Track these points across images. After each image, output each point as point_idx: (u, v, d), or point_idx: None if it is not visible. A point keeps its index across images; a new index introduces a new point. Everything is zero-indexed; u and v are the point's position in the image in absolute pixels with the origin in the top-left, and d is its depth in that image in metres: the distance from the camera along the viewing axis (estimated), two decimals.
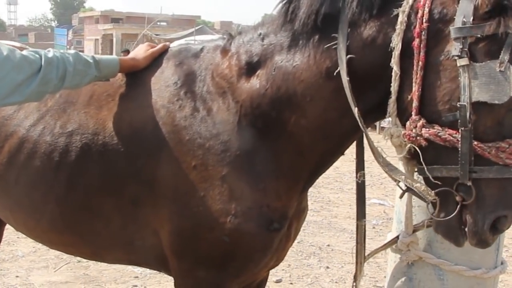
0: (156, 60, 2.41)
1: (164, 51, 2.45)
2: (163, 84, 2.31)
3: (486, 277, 2.31)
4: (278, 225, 2.20)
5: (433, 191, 1.91)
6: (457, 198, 1.85)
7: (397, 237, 2.34)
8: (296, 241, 6.13)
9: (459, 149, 1.80)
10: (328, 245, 6.31)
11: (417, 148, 1.90)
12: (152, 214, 2.25)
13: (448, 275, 2.30)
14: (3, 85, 1.96)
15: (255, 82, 2.16)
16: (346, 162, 10.15)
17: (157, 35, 31.40)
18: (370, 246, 2.48)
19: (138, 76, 2.39)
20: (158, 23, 38.98)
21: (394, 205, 2.68)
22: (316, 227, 6.94)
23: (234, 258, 2.20)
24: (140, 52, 2.44)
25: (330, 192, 8.66)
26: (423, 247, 2.36)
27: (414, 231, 2.29)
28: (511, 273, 5.63)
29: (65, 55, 2.21)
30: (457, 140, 1.80)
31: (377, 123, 11.32)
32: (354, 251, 2.45)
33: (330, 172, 9.29)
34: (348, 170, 9.66)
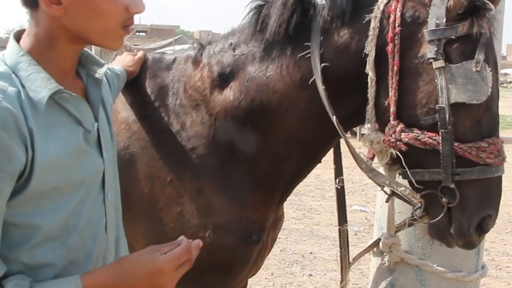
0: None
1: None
2: (137, 97, 2.27)
3: (467, 280, 2.32)
4: (257, 237, 2.19)
5: (418, 194, 1.91)
6: (443, 201, 1.85)
7: (379, 239, 2.35)
8: (278, 250, 6.20)
9: (440, 152, 1.81)
10: (311, 253, 6.31)
11: (398, 153, 1.90)
12: (127, 229, 2.20)
13: (430, 280, 2.31)
14: None
15: (229, 94, 2.13)
16: (327, 169, 10.08)
17: (136, 45, 31.25)
18: (352, 252, 2.48)
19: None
20: (137, 33, 38.83)
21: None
22: (298, 235, 6.93)
23: (213, 272, 2.17)
24: (127, 59, 2.38)
25: (311, 200, 8.65)
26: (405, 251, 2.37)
27: (396, 231, 2.30)
28: (492, 276, 5.69)
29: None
30: (438, 142, 1.81)
31: (357, 130, 11.35)
32: (337, 258, 2.45)
33: (311, 179, 9.34)
34: (329, 178, 9.58)
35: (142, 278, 1.39)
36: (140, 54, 2.43)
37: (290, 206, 7.90)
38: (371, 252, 2.47)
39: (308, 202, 8.53)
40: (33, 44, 1.41)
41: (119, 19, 1.41)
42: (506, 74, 61.21)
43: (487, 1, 1.82)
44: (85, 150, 1.45)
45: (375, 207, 2.57)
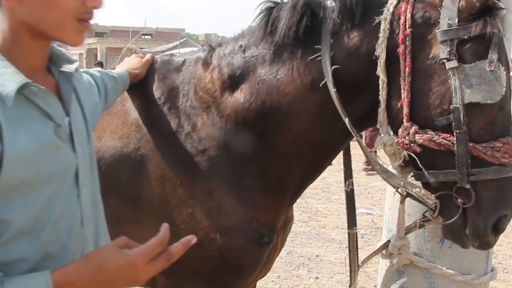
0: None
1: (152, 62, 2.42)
2: (146, 99, 2.27)
3: (477, 283, 2.31)
4: (268, 239, 2.19)
5: (433, 195, 1.90)
6: (459, 201, 1.84)
7: (389, 241, 2.34)
8: (285, 252, 6.18)
9: (455, 152, 1.80)
10: (317, 256, 6.29)
11: (412, 155, 1.89)
12: (136, 231, 2.18)
13: (439, 282, 2.30)
14: None
15: (239, 96, 2.14)
16: (333, 172, 10.18)
17: (141, 48, 31.32)
18: (359, 255, 2.47)
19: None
20: (143, 36, 38.91)
21: (382, 214, 2.68)
22: (304, 237, 6.92)
23: (223, 274, 2.17)
24: (134, 61, 2.39)
25: (318, 203, 8.64)
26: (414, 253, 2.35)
27: (406, 233, 2.28)
28: (500, 280, 5.66)
29: (98, 72, 2.13)
30: (452, 143, 1.80)
31: (363, 133, 11.36)
32: (345, 260, 2.45)
33: (317, 182, 9.29)
34: (336, 180, 9.66)
35: (114, 272, 1.33)
36: (148, 56, 2.44)
37: (296, 209, 7.89)
38: (379, 254, 2.45)
39: (314, 204, 8.52)
40: (0, 40, 1.44)
41: (73, 11, 1.41)
42: None
43: (498, 1, 1.81)
44: (56, 144, 1.45)
45: (383, 209, 2.56)
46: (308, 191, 8.95)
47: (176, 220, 2.13)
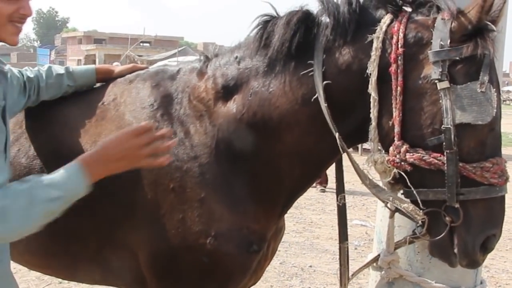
0: (132, 82, 2.41)
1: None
2: (139, 105, 2.30)
3: None
4: (257, 247, 2.21)
5: (421, 211, 1.93)
6: (447, 220, 1.87)
7: (379, 255, 2.36)
8: (278, 262, 6.19)
9: (445, 172, 1.83)
10: (310, 266, 6.30)
11: (402, 173, 1.92)
12: (130, 236, 2.23)
13: None
14: None
15: (232, 107, 2.17)
16: (328, 183, 10.22)
17: (140, 56, 31.34)
18: (352, 267, 2.49)
19: (115, 97, 2.38)
20: (141, 44, 38.92)
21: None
22: (298, 248, 6.94)
23: (213, 279, 2.20)
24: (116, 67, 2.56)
25: (312, 213, 8.66)
26: (404, 266, 2.38)
27: (396, 248, 2.31)
28: None
29: (39, 71, 2.38)
30: (443, 163, 1.83)
31: (359, 146, 11.38)
32: (336, 272, 2.46)
33: (312, 193, 9.34)
34: (330, 191, 9.68)
35: (113, 144, 1.73)
36: (130, 65, 2.60)
37: (291, 219, 7.91)
38: (370, 266, 2.48)
39: (309, 215, 8.54)
40: None
41: (9, 16, 1.75)
42: (508, 92, 61.21)
43: (489, 23, 1.84)
44: None
45: (375, 221, 2.59)
46: (303, 201, 9.03)
47: (167, 225, 2.16)
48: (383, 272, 2.38)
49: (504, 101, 56.92)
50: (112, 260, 2.31)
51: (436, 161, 1.84)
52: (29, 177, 1.68)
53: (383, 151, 1.99)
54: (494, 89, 1.82)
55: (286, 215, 2.45)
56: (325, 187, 10.10)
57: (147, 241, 2.21)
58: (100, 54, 40.30)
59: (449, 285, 2.33)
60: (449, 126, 1.81)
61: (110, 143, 1.74)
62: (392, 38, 1.93)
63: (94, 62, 40.28)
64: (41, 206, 1.60)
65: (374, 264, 2.42)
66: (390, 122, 1.93)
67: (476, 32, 1.83)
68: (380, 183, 2.12)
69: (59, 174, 1.66)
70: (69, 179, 1.66)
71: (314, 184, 11.11)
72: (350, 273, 2.46)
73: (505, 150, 18.58)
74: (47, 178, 1.64)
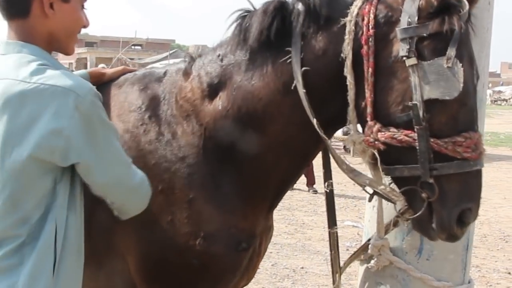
0: (121, 87, 2.42)
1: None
2: (127, 108, 2.30)
3: None
4: (246, 244, 2.22)
5: (399, 192, 1.96)
6: (423, 196, 1.89)
7: (369, 240, 2.36)
8: (270, 264, 6.19)
9: (417, 148, 1.84)
10: (302, 268, 6.31)
11: (375, 153, 1.95)
12: (120, 240, 2.22)
13: None
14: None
15: (218, 104, 2.18)
16: (319, 185, 10.20)
17: (131, 59, 31.34)
18: (344, 266, 2.50)
19: (105, 102, 2.37)
20: (133, 47, 38.91)
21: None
22: (290, 249, 6.94)
23: (203, 280, 2.20)
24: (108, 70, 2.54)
25: (304, 215, 8.65)
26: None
27: (386, 233, 2.31)
28: None
29: None
30: (413, 139, 1.85)
31: (351, 147, 11.37)
32: (328, 273, 2.46)
33: (304, 195, 9.37)
34: (322, 193, 9.67)
35: None
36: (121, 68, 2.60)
37: (283, 221, 7.90)
38: (359, 261, 2.48)
39: (301, 217, 8.54)
40: None
41: (81, 25, 1.90)
42: (500, 92, 61.55)
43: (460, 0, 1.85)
44: None
45: (364, 221, 2.58)
46: (295, 203, 9.04)
47: (156, 228, 2.16)
48: (372, 261, 2.36)
49: (495, 101, 57.29)
50: (104, 265, 2.30)
51: (407, 138, 1.86)
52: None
53: (362, 132, 2.01)
54: (462, 64, 1.82)
55: (277, 217, 2.46)
56: (312, 185, 10.07)
57: (136, 245, 2.20)
58: (92, 57, 40.20)
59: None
60: (417, 102, 1.82)
61: None
62: (363, 20, 1.94)
63: (85, 65, 40.21)
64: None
65: (363, 256, 2.42)
66: (364, 103, 1.95)
67: (443, 9, 1.84)
68: (357, 168, 2.13)
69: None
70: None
71: (305, 187, 11.23)
72: (341, 262, 2.46)
73: (496, 150, 18.74)
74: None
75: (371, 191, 2.12)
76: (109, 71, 2.55)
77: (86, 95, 1.68)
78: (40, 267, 1.73)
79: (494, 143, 19.41)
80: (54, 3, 1.78)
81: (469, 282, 2.42)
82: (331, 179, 2.43)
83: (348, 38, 1.95)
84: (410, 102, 1.84)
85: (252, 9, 2.20)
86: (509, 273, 6.40)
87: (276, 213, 2.58)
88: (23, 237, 1.73)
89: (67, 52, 1.89)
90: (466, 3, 1.86)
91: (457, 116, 1.86)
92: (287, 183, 2.33)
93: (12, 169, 1.69)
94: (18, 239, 1.73)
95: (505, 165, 15.37)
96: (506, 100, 58.62)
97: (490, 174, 12.74)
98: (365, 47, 1.92)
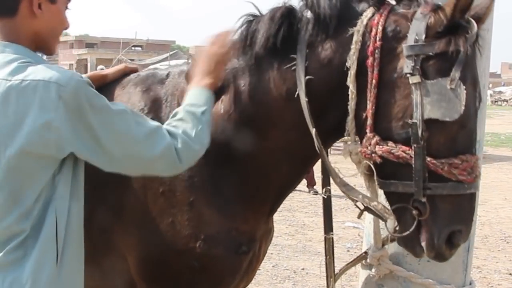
0: (124, 87, 2.41)
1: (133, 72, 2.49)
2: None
3: None
4: (247, 248, 2.22)
5: (390, 209, 1.94)
6: (414, 213, 1.87)
7: (366, 252, 2.36)
8: (270, 265, 6.18)
9: (413, 166, 1.83)
10: (303, 269, 6.30)
11: (371, 165, 1.94)
12: (120, 240, 2.23)
13: None
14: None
15: (220, 107, 2.17)
16: (320, 186, 10.11)
17: (131, 60, 31.32)
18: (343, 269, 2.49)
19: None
20: (133, 48, 38.90)
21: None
22: (290, 250, 6.93)
23: (203, 282, 2.20)
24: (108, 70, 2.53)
25: (304, 216, 8.64)
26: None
27: (383, 244, 2.31)
28: None
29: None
30: (410, 156, 1.83)
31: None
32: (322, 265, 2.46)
33: (304, 196, 9.35)
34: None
35: (205, 62, 2.09)
36: (121, 66, 2.58)
37: (283, 222, 7.90)
38: (360, 265, 2.48)
39: (301, 218, 8.53)
40: None
41: (65, 26, 1.92)
42: (500, 92, 61.55)
43: (469, 20, 1.84)
44: None
45: (365, 223, 2.58)
46: (296, 204, 9.03)
47: (157, 230, 2.15)
48: (372, 270, 2.36)
49: (496, 101, 57.31)
50: (103, 265, 2.30)
51: (404, 154, 1.85)
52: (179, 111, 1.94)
53: (359, 142, 2.00)
54: (465, 87, 1.81)
55: (278, 218, 2.46)
56: (313, 186, 10.06)
57: (136, 245, 2.20)
58: (92, 59, 40.25)
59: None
60: (417, 120, 1.81)
61: (203, 60, 2.09)
62: (371, 31, 1.93)
63: (85, 67, 40.26)
64: (204, 119, 1.93)
65: (364, 262, 2.41)
66: (365, 114, 1.94)
67: (451, 29, 1.82)
68: (350, 182, 2.12)
69: (193, 97, 1.98)
70: (202, 95, 1.99)
71: (306, 188, 11.24)
72: (337, 266, 2.46)
73: (497, 151, 18.74)
74: (191, 103, 1.96)
75: (362, 207, 2.09)
76: (110, 71, 2.54)
77: (67, 83, 1.65)
78: (43, 258, 1.74)
79: (495, 143, 19.42)
80: (42, 3, 1.79)
81: (470, 284, 2.42)
82: (329, 185, 2.42)
83: (354, 47, 1.94)
84: (410, 120, 1.83)
85: (258, 14, 2.19)
86: (511, 274, 6.40)
87: (277, 214, 2.58)
88: (27, 231, 1.74)
89: (50, 52, 1.91)
90: (475, 24, 1.84)
91: (456, 138, 1.84)
92: (288, 188, 2.32)
93: (8, 167, 1.69)
94: (23, 234, 1.74)
95: (505, 165, 15.37)
96: (507, 101, 58.63)
97: (490, 175, 12.75)
98: (370, 58, 1.91)
